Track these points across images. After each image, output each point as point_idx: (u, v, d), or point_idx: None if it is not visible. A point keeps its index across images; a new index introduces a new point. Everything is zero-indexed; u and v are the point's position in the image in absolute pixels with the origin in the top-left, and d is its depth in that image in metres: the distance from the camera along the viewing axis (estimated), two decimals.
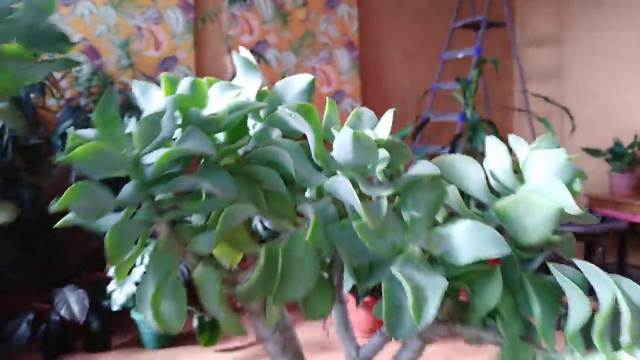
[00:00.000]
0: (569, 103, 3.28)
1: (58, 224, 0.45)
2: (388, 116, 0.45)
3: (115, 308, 2.07)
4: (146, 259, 2.11)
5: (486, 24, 2.92)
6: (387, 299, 0.43)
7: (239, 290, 0.45)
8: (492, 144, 0.51)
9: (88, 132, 0.44)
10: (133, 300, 2.09)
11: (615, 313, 0.42)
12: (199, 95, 0.45)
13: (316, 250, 0.45)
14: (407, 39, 3.39)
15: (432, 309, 0.39)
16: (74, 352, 2.16)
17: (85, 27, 2.50)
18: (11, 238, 2.35)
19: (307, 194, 0.50)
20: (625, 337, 0.40)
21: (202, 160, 0.45)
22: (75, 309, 2.13)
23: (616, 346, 0.43)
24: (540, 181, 0.46)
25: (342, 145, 0.41)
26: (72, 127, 0.45)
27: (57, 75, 2.41)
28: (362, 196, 0.43)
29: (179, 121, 0.45)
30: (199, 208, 0.43)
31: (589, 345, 0.44)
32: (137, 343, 2.23)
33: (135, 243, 0.45)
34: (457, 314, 0.49)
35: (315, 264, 0.45)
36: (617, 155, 2.74)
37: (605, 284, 0.41)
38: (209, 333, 2.17)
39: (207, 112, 0.44)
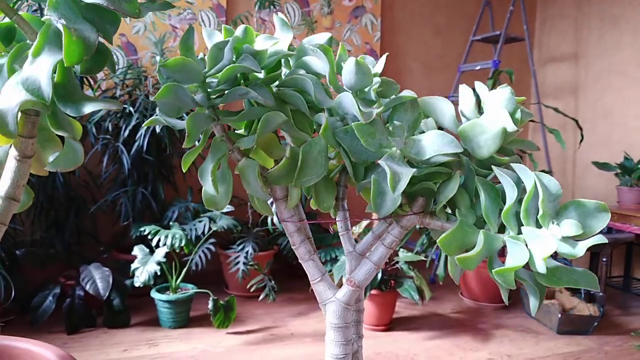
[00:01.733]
0: (584, 119, 3.46)
1: (147, 122, 0.65)
2: (382, 59, 0.65)
3: (137, 284, 2.27)
4: (169, 239, 2.32)
5: (504, 38, 3.13)
6: (375, 187, 0.63)
7: (270, 173, 0.65)
8: (462, 91, 0.71)
9: None
10: (155, 279, 2.29)
11: (536, 201, 0.60)
12: (249, 38, 0.66)
13: (326, 153, 0.65)
14: (427, 51, 3.62)
15: (402, 184, 0.58)
16: (95, 326, 2.35)
17: (123, 24, 2.79)
18: (43, 217, 2.58)
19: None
20: (540, 211, 0.58)
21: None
22: (100, 285, 2.33)
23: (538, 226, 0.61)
24: (492, 111, 0.65)
25: (348, 70, 0.62)
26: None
27: None
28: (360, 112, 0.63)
29: (234, 58, 0.65)
30: (245, 113, 0.64)
31: (520, 230, 0.62)
32: (154, 322, 2.42)
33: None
34: (427, 209, 0.68)
35: (325, 163, 0.65)
36: (626, 170, 2.90)
37: (530, 177, 0.60)
38: (223, 316, 2.35)
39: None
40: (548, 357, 2.24)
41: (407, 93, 0.64)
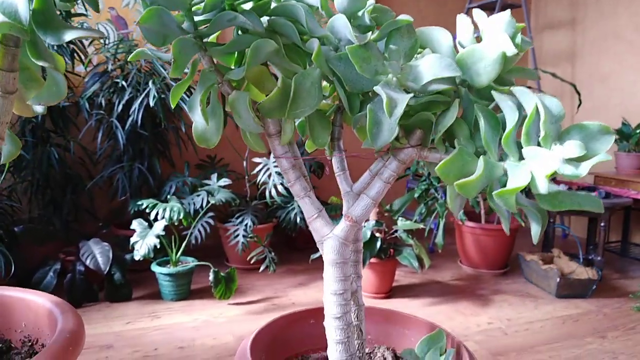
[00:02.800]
0: (581, 85, 3.42)
1: (132, 56, 0.62)
2: None
3: (137, 258, 2.26)
4: (167, 212, 2.30)
5: (501, 5, 3.08)
6: (371, 116, 0.60)
7: (261, 104, 0.63)
8: (460, 19, 0.68)
9: None
10: (154, 252, 2.27)
11: (538, 124, 0.58)
12: None
13: (319, 84, 0.62)
14: (422, 19, 3.57)
15: (399, 109, 0.56)
16: (97, 301, 2.35)
17: None
18: (40, 195, 2.56)
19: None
20: (541, 132, 0.56)
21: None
22: (100, 260, 2.32)
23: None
24: (491, 37, 0.62)
25: None
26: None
27: (85, 42, 2.63)
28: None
29: None
30: (233, 41, 0.61)
31: (521, 156, 0.60)
32: (156, 296, 2.41)
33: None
34: (425, 142, 0.66)
35: (318, 94, 0.62)
36: (624, 136, 2.87)
37: (531, 99, 0.58)
38: (224, 287, 2.34)
39: None
40: (547, 320, 2.24)
41: (403, 17, 0.61)
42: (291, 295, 2.44)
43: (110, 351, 1.94)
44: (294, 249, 2.99)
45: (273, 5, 0.67)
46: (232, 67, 0.68)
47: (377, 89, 0.57)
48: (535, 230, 0.58)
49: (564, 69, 3.60)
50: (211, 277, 2.30)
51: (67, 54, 2.47)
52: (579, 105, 2.90)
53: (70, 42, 2.48)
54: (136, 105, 2.44)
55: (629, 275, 2.86)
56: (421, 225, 2.53)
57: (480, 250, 2.79)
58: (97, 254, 2.34)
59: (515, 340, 2.07)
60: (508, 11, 0.63)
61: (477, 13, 0.68)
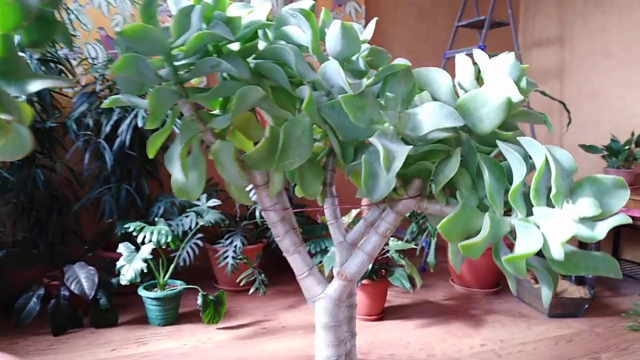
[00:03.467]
0: (569, 102, 3.41)
1: (106, 103, 0.56)
2: (372, 23, 0.57)
3: (124, 283, 2.18)
4: (155, 235, 2.23)
5: (489, 23, 3.06)
6: (366, 168, 0.55)
7: (247, 156, 0.57)
8: (460, 60, 0.63)
9: None
10: (141, 276, 2.20)
11: (548, 179, 0.53)
12: (221, 5, 0.57)
13: (311, 132, 0.56)
14: (412, 37, 3.55)
15: (398, 163, 0.50)
16: (82, 327, 2.26)
17: (102, 17, 2.67)
18: (25, 217, 2.47)
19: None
20: (552, 189, 0.50)
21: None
22: (85, 284, 2.24)
23: (550, 206, 0.53)
24: (494, 79, 0.57)
25: (333, 35, 0.53)
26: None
27: (74, 62, 2.56)
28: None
29: (204, 26, 0.57)
30: (217, 88, 0.55)
31: (531, 212, 0.55)
32: (143, 320, 2.33)
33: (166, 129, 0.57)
34: (424, 191, 0.60)
35: (309, 143, 0.56)
36: (613, 152, 2.85)
37: (540, 151, 0.53)
38: (213, 311, 2.27)
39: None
40: (540, 341, 2.20)
41: (400, 61, 0.56)
42: (282, 318, 2.37)
43: None
44: (284, 270, 2.92)
45: (261, 46, 0.62)
46: (217, 112, 0.62)
47: (374, 140, 0.52)
48: (547, 295, 0.52)
49: (553, 86, 3.59)
50: (199, 301, 2.23)
51: (55, 73, 2.41)
52: (569, 123, 2.88)
53: (58, 62, 2.41)
54: (124, 125, 2.37)
55: (620, 292, 2.82)
56: (413, 245, 2.48)
57: (472, 269, 2.74)
58: (83, 278, 2.25)
59: None
60: (512, 54, 0.58)
61: (478, 54, 0.63)
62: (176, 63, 0.54)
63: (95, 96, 2.48)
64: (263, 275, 2.45)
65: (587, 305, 2.43)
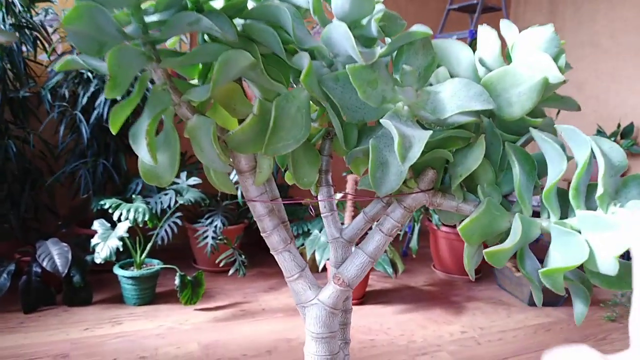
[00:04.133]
0: (557, 92, 3.34)
1: (59, 65, 0.45)
2: None
3: (98, 261, 2.06)
4: (131, 213, 2.11)
5: (482, 7, 2.95)
6: (374, 156, 0.45)
7: (231, 136, 0.46)
8: (483, 32, 0.53)
9: None
10: (116, 255, 2.08)
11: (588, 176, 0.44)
12: None
13: (308, 110, 0.46)
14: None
15: (416, 152, 0.40)
16: (54, 305, 2.15)
17: None
18: None
19: None
20: (599, 188, 0.41)
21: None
22: (58, 261, 2.12)
23: (591, 208, 0.44)
24: (527, 55, 0.48)
25: None
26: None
27: (50, 29, 2.39)
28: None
29: None
30: (196, 51, 0.44)
31: (565, 214, 0.46)
32: (118, 300, 2.23)
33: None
34: (437, 184, 0.51)
35: (306, 123, 0.46)
36: None
37: (583, 143, 0.43)
38: (190, 292, 2.18)
39: None
40: (519, 329, 2.17)
41: (418, 28, 0.45)
42: (261, 301, 2.29)
43: None
44: (265, 251, 2.82)
45: (250, 5, 0.50)
46: (196, 82, 0.51)
47: (386, 122, 0.42)
48: (582, 312, 0.44)
49: None
50: (177, 281, 2.12)
51: (30, 41, 2.24)
52: (558, 113, 2.80)
53: (33, 28, 2.24)
54: (102, 97, 2.22)
55: None
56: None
57: (454, 255, 2.68)
58: (56, 255, 2.13)
59: (488, 351, 1.98)
60: (550, 26, 0.48)
61: (506, 25, 0.52)
62: (146, 18, 0.43)
63: None
64: (243, 256, 2.36)
65: (566, 295, 2.39)
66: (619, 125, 2.84)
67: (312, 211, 0.70)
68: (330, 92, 0.44)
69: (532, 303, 2.39)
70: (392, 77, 0.45)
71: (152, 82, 0.45)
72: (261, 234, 0.52)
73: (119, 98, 0.43)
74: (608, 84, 3.08)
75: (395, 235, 0.52)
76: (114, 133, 0.43)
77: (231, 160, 0.49)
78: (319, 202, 0.57)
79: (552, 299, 2.39)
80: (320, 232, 2.30)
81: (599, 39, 3.12)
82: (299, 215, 2.62)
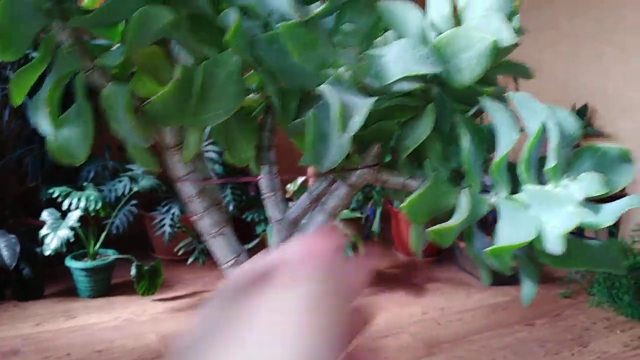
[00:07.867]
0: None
1: None
2: None
3: (47, 253, 1.96)
4: (82, 201, 2.01)
5: None
6: (314, 127, 0.40)
7: (150, 104, 0.40)
8: None
9: None
10: (68, 246, 1.99)
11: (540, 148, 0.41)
12: None
13: (240, 77, 0.41)
14: None
15: (357, 121, 0.36)
16: (3, 300, 2.05)
17: None
18: None
19: None
20: (550, 160, 0.38)
21: None
22: (5, 254, 2.02)
23: (543, 182, 0.41)
24: (478, 17, 0.44)
25: None
26: None
27: None
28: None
29: None
30: (108, 6, 0.38)
31: (515, 188, 0.43)
32: (71, 292, 2.14)
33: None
34: (383, 159, 0.47)
35: (239, 91, 0.41)
36: None
37: (536, 112, 0.40)
38: (147, 282, 2.11)
39: None
40: (478, 309, 2.20)
41: None
42: None
43: (16, 358, 1.69)
44: None
45: None
46: (113, 45, 0.45)
47: (324, 89, 0.37)
48: (531, 290, 0.41)
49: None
50: (133, 272, 2.04)
51: None
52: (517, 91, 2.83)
53: None
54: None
55: None
56: (358, 215, 2.39)
57: None
58: (2, 247, 2.02)
59: (449, 331, 2.00)
60: None
61: None
62: None
63: None
64: (203, 244, 2.29)
65: None
66: (573, 107, 2.89)
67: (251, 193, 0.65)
68: (265, 55, 0.39)
69: (491, 283, 2.42)
70: (331, 38, 0.41)
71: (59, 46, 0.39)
72: (192, 218, 0.47)
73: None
74: (566, 66, 3.12)
75: (338, 215, 0.48)
76: (15, 103, 0.37)
77: (154, 133, 0.44)
78: (260, 182, 0.52)
79: (510, 278, 2.43)
80: None
81: (558, 21, 3.16)
82: (260, 200, 2.57)
